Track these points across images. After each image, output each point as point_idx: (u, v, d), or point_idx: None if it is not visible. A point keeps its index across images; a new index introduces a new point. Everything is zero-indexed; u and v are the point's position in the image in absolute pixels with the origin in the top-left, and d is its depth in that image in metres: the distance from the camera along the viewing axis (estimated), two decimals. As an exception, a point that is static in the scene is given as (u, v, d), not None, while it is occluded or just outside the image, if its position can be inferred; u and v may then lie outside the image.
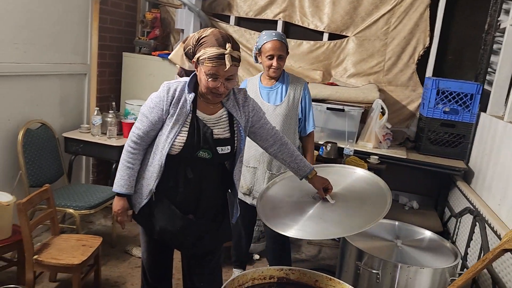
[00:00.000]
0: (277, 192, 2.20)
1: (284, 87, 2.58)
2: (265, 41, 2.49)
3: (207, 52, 1.70)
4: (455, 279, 2.18)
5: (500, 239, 2.31)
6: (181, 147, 1.80)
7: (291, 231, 1.88)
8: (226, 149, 1.86)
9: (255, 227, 3.41)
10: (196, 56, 1.75)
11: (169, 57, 2.01)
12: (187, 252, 2.08)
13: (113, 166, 3.37)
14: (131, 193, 1.91)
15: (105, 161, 3.76)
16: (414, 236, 2.53)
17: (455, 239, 3.13)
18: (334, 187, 2.09)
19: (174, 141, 1.80)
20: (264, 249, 3.19)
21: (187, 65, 1.96)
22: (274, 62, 2.47)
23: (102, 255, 3.11)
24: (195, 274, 2.09)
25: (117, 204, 1.93)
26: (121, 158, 1.90)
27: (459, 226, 3.13)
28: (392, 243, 2.39)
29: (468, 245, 2.80)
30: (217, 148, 1.84)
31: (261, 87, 2.59)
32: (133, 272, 2.98)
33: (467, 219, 2.95)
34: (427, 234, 2.55)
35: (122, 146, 3.27)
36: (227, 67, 1.69)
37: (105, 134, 3.40)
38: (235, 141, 1.90)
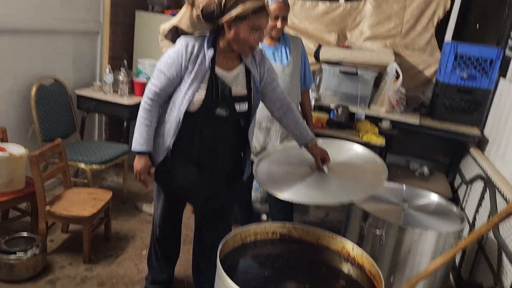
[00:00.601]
0: (274, 158, 2.18)
1: (286, 47, 2.59)
2: (269, 3, 2.45)
3: (248, 6, 1.67)
4: (459, 243, 2.18)
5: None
6: (200, 104, 1.80)
7: (285, 194, 1.83)
8: (244, 107, 1.87)
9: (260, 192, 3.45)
10: (232, 14, 1.68)
11: (174, 23, 1.83)
12: (201, 207, 2.12)
13: (124, 124, 3.40)
14: (151, 151, 1.91)
15: (117, 120, 3.79)
16: (422, 200, 2.52)
17: (464, 206, 3.11)
18: (333, 160, 2.06)
19: (192, 98, 1.79)
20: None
21: (196, 29, 1.87)
22: (279, 23, 2.45)
23: (113, 210, 3.19)
24: (207, 230, 2.15)
25: (139, 162, 1.91)
26: (138, 116, 1.88)
27: (469, 193, 3.10)
28: (399, 206, 2.38)
29: (476, 211, 2.78)
30: (235, 105, 1.84)
31: (265, 48, 2.56)
32: (142, 227, 3.06)
33: (478, 186, 2.91)
34: (435, 198, 2.53)
35: (134, 105, 3.36)
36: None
37: (117, 92, 3.41)
38: (252, 98, 1.90)
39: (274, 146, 2.54)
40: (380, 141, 3.11)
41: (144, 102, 1.86)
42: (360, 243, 2.27)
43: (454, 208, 2.41)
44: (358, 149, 2.26)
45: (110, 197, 2.73)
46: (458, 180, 3.50)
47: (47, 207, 2.46)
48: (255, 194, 3.40)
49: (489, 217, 2.54)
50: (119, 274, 2.52)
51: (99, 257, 2.65)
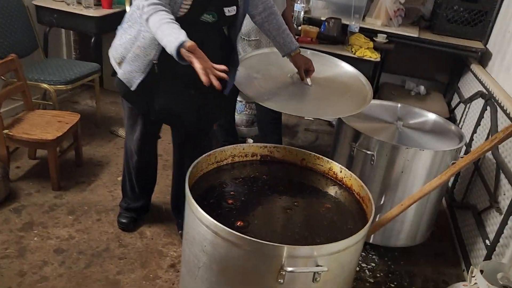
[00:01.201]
0: (252, 63, 1.98)
1: None
2: None
3: None
4: (457, 163, 2.01)
5: (512, 122, 2.09)
6: (187, 8, 1.54)
7: (267, 103, 1.71)
8: (232, 10, 1.66)
9: (249, 110, 3.22)
10: None
11: None
12: (185, 129, 1.94)
13: (92, 40, 3.06)
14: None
15: (87, 36, 3.43)
16: (417, 118, 2.31)
17: (461, 126, 2.92)
18: (316, 74, 1.90)
19: (182, 2, 1.52)
20: (258, 134, 3.03)
21: None
22: None
23: (87, 135, 2.98)
24: (187, 155, 1.98)
25: (196, 57, 1.37)
26: (151, 27, 1.44)
27: (467, 112, 2.90)
28: (392, 125, 2.18)
29: (474, 131, 2.59)
30: (224, 9, 1.62)
31: None
32: (118, 152, 2.86)
33: (477, 104, 2.70)
34: (432, 116, 2.33)
35: (100, 17, 3.00)
36: None
37: (81, 3, 3.03)
38: (239, 1, 1.68)
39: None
40: (374, 56, 2.83)
41: (150, 9, 1.43)
42: (349, 165, 2.10)
43: (453, 127, 2.22)
44: (346, 66, 2.10)
45: (78, 120, 2.49)
46: (456, 99, 3.28)
47: (5, 131, 2.22)
48: (239, 117, 3.17)
49: (488, 136, 2.35)
50: (92, 201, 2.35)
51: (70, 184, 2.47)
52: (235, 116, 2.99)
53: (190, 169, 1.42)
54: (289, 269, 1.16)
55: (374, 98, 3.56)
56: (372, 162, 1.99)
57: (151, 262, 2.00)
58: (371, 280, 2.09)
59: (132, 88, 1.68)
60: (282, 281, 1.18)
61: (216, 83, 1.34)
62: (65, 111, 2.58)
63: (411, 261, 2.26)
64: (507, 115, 2.17)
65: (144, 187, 2.15)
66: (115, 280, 1.87)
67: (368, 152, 1.97)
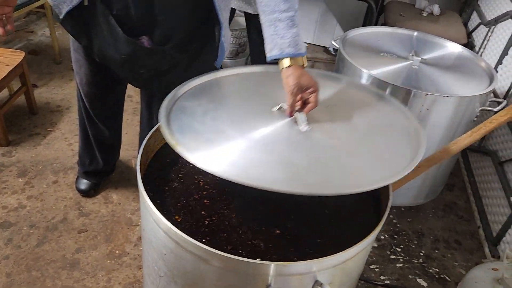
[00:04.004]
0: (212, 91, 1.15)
1: None
2: None
3: None
4: (487, 111, 1.64)
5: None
6: None
7: (212, 167, 0.84)
8: None
9: (232, 38, 2.76)
10: None
11: None
12: (141, 88, 1.49)
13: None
14: None
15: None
16: (437, 50, 1.89)
17: (482, 53, 2.50)
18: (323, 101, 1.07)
19: None
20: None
21: None
22: None
23: (44, 74, 2.53)
24: (156, 114, 1.42)
25: None
26: None
27: (489, 37, 2.46)
28: (407, 61, 1.76)
29: (500, 62, 2.18)
30: None
31: None
32: (80, 94, 2.44)
33: (505, 27, 2.25)
34: (455, 49, 1.91)
35: None
36: None
37: None
38: None
39: None
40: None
41: None
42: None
43: (482, 63, 1.80)
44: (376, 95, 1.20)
45: (23, 59, 2.04)
46: (474, 20, 2.80)
47: None
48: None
49: (519, 70, 1.95)
50: (47, 158, 1.99)
51: (21, 137, 2.09)
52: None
53: (142, 146, 1.04)
54: (278, 292, 0.84)
55: (377, 19, 3.10)
56: (381, 111, 1.61)
57: (118, 234, 1.69)
58: (375, 245, 1.82)
59: (60, 17, 1.22)
60: (268, 305, 0.87)
61: None
62: (7, 49, 2.11)
63: (418, 217, 1.98)
64: (549, 45, 1.75)
65: (104, 151, 1.76)
66: (74, 260, 1.57)
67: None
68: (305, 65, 1.02)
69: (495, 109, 1.63)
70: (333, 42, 1.89)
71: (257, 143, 0.93)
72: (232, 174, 0.83)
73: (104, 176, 1.86)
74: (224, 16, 1.24)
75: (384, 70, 1.69)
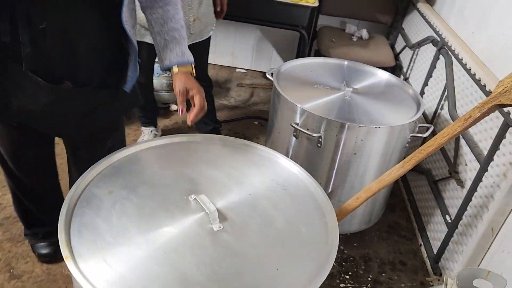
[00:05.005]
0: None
1: None
2: None
3: None
4: (416, 137, 1.71)
5: (473, 77, 1.79)
6: None
7: (97, 284, 0.83)
8: None
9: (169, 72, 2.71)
10: None
11: None
12: (69, 139, 1.40)
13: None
14: None
15: None
16: (367, 79, 1.96)
17: (409, 74, 2.63)
18: None
19: None
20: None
21: None
22: None
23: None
24: (82, 166, 1.28)
25: None
26: None
27: (415, 59, 2.60)
28: (340, 92, 1.81)
29: (426, 83, 2.30)
30: None
31: None
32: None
33: (427, 50, 2.39)
34: (384, 76, 1.99)
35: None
36: None
37: None
38: None
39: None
40: (312, 0, 2.38)
41: None
42: (289, 150, 1.74)
43: (410, 90, 1.89)
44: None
45: None
46: (400, 43, 2.96)
47: None
48: (158, 81, 2.66)
49: (443, 93, 2.06)
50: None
51: None
52: (153, 80, 2.46)
53: (66, 201, 0.97)
54: None
55: (311, 45, 3.19)
56: (319, 145, 1.64)
57: (54, 296, 1.58)
58: (324, 275, 1.82)
59: None
60: None
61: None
62: None
63: (364, 241, 2.02)
64: (467, 70, 1.87)
65: (45, 211, 1.61)
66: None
67: (314, 135, 1.60)
68: (193, 73, 1.24)
69: (424, 135, 1.70)
70: (267, 75, 1.90)
71: (158, 249, 0.90)
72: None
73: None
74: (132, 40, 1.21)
75: (318, 102, 1.72)
